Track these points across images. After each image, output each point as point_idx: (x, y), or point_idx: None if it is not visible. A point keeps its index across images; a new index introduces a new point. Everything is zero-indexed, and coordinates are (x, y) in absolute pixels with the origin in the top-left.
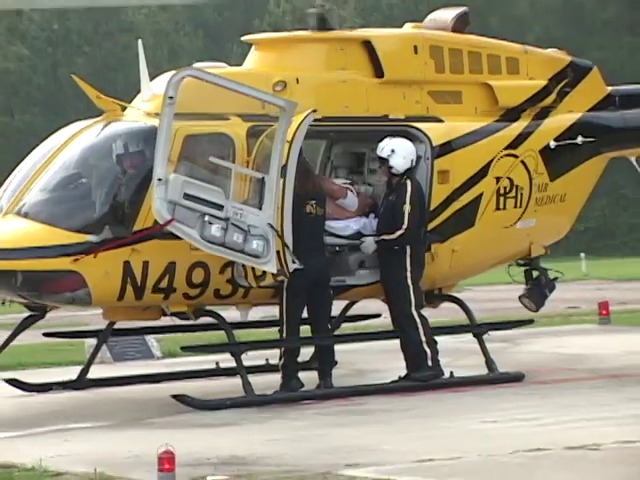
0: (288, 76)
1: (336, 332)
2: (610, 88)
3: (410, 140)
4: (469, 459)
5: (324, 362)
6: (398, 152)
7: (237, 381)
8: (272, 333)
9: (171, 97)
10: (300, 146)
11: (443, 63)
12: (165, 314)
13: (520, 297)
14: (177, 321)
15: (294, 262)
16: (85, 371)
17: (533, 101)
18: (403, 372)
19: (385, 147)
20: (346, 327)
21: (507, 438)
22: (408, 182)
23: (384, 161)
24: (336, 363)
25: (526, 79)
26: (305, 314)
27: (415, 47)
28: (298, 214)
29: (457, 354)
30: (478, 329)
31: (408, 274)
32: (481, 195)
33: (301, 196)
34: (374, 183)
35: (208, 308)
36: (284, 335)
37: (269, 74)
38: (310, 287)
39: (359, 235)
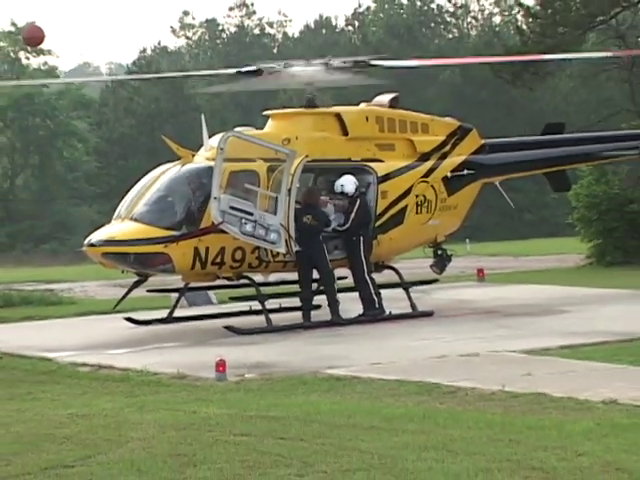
0: (291, 135)
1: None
2: (483, 141)
3: (365, 173)
4: (402, 363)
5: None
6: (346, 184)
7: (262, 318)
8: (282, 289)
9: (222, 148)
10: (299, 177)
11: (383, 126)
12: (218, 277)
13: (430, 266)
14: (226, 282)
15: (296, 246)
16: (172, 312)
17: (437, 149)
18: (361, 311)
19: (338, 185)
20: None
21: (424, 350)
22: (358, 200)
23: (342, 193)
24: (320, 307)
25: (433, 136)
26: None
27: (367, 117)
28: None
29: (393, 300)
30: (406, 285)
31: (363, 253)
32: (407, 206)
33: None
34: (342, 199)
35: (245, 274)
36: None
37: (279, 134)
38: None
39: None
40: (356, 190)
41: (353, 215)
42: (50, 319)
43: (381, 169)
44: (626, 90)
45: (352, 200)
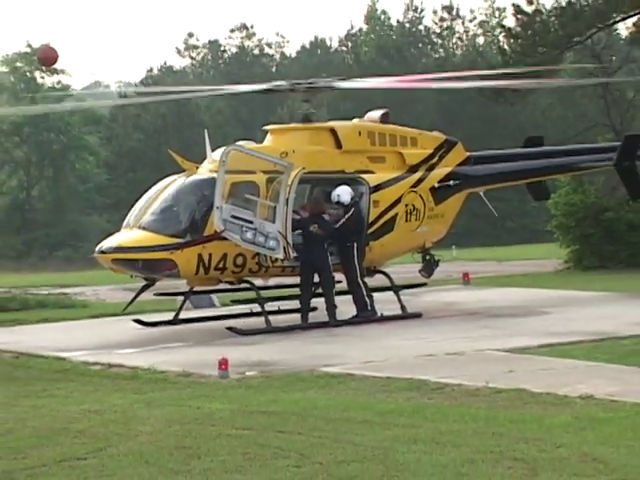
0: (288, 149)
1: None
2: (468, 153)
3: (358, 183)
4: (393, 360)
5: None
6: (342, 194)
7: (262, 319)
8: (281, 292)
9: (224, 161)
10: (296, 187)
11: (375, 140)
12: (221, 282)
13: (419, 270)
14: (228, 286)
15: (293, 252)
16: (177, 314)
17: (425, 161)
18: (354, 313)
19: (334, 195)
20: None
21: (413, 349)
22: (352, 209)
23: (338, 202)
24: (316, 309)
25: (421, 149)
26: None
27: (359, 131)
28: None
29: (384, 303)
30: (396, 288)
31: (356, 258)
32: (397, 214)
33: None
34: (338, 208)
35: (245, 278)
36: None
37: (277, 147)
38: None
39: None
40: (352, 199)
41: (344, 220)
42: (64, 321)
43: (373, 180)
44: (601, 106)
45: (347, 209)
